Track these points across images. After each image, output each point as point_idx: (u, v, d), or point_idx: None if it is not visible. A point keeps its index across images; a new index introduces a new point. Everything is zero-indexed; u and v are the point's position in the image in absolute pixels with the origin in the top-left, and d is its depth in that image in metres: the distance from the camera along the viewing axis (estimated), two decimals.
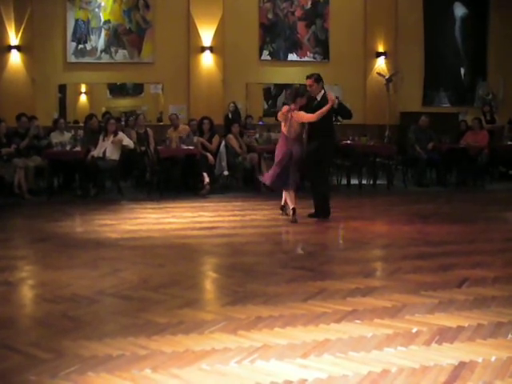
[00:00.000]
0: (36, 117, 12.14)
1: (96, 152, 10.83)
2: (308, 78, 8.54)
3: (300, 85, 16.05)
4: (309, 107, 8.29)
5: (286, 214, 8.48)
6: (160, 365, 3.40)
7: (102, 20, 14.59)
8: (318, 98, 8.44)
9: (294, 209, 8.19)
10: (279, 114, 8.31)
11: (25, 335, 3.96)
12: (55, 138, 11.40)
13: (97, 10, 14.56)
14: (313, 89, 8.48)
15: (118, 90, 16.78)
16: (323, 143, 8.37)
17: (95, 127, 11.70)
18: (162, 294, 4.80)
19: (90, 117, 12.03)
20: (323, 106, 8.13)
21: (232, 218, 8.76)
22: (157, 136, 12.44)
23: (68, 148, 10.93)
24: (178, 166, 11.36)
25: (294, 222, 8.13)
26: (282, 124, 8.33)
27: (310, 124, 8.31)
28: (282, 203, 8.63)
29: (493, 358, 3.47)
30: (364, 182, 12.38)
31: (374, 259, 6.63)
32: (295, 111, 8.22)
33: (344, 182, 12.28)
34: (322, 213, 8.47)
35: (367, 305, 4.51)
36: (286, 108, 8.29)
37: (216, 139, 11.78)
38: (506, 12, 16.41)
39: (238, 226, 8.05)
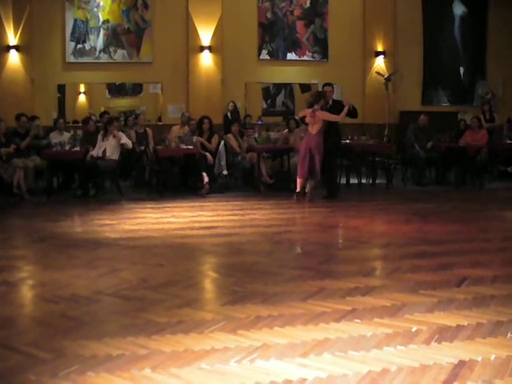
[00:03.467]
0: (37, 117, 12.13)
1: (95, 152, 10.83)
2: (328, 85, 10.47)
3: (300, 84, 16.21)
4: (321, 109, 10.08)
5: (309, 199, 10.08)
6: (160, 364, 3.40)
7: (101, 20, 14.59)
8: (330, 102, 10.34)
9: (298, 193, 10.13)
10: (308, 118, 10.03)
11: (24, 335, 3.96)
12: (54, 138, 11.40)
13: (95, 9, 14.56)
14: (330, 95, 10.42)
15: (116, 89, 16.77)
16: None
17: (92, 129, 11.70)
18: (162, 294, 4.80)
19: (87, 121, 12.03)
20: (334, 109, 10.12)
21: (231, 217, 8.77)
22: (156, 136, 12.45)
23: (67, 148, 10.93)
24: (178, 165, 11.36)
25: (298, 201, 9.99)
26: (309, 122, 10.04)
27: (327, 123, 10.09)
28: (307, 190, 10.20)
29: (492, 357, 3.47)
30: (363, 181, 12.38)
31: (373, 258, 6.64)
32: (319, 110, 10.02)
33: (343, 181, 12.28)
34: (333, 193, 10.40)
35: (367, 304, 4.51)
36: (309, 110, 10.08)
37: (215, 139, 11.77)
38: (506, 11, 16.41)
39: (237, 226, 8.06)
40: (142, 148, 11.73)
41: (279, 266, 5.89)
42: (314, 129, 10.03)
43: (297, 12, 15.59)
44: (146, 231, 7.66)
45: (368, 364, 3.40)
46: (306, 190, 10.20)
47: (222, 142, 11.81)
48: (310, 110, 10.06)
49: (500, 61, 16.46)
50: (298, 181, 10.19)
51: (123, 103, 16.82)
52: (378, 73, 14.83)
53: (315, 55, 15.72)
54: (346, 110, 10.03)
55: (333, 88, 10.60)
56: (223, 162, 11.64)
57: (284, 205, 9.95)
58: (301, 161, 10.11)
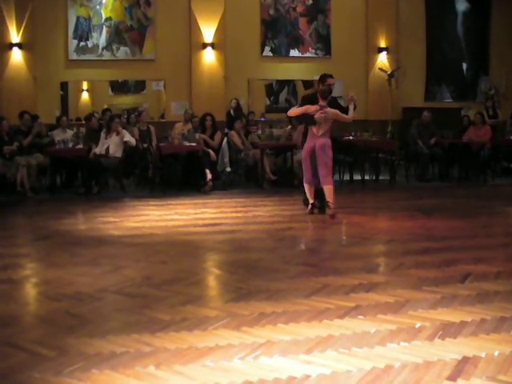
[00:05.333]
0: (37, 115, 12.11)
1: (98, 149, 10.85)
2: (331, 77, 8.45)
3: (303, 81, 16.20)
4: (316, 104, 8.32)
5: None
6: (163, 361, 3.41)
7: (104, 17, 14.58)
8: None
9: (313, 204, 8.53)
10: (317, 115, 8.16)
11: (28, 333, 3.96)
12: (57, 135, 11.41)
13: (98, 7, 14.55)
14: (333, 88, 8.54)
15: (119, 87, 16.81)
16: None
17: (95, 126, 11.72)
18: (165, 291, 4.81)
19: (89, 118, 12.05)
20: (331, 106, 8.31)
21: (235, 214, 8.77)
22: (159, 133, 12.45)
23: (70, 145, 10.94)
24: (181, 162, 11.36)
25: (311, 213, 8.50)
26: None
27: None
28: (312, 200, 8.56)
29: (496, 353, 3.47)
30: (366, 177, 12.38)
31: (376, 255, 6.63)
32: (328, 107, 8.24)
33: (346, 177, 12.28)
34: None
35: (370, 300, 4.51)
36: (313, 107, 8.25)
37: (218, 136, 11.77)
38: (508, 6, 16.36)
39: (240, 223, 8.06)
40: (145, 145, 11.74)
41: (283, 262, 5.88)
42: (320, 130, 8.24)
43: (299, 8, 15.56)
44: (149, 228, 7.67)
45: (372, 360, 3.40)
46: (327, 200, 8.30)
47: (225, 139, 11.81)
48: (316, 107, 8.23)
49: (503, 57, 16.42)
50: (307, 188, 8.53)
51: (126, 100, 16.85)
52: (381, 69, 14.79)
53: (318, 52, 15.70)
54: (352, 108, 8.37)
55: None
56: (226, 159, 11.64)
57: (287, 201, 9.95)
58: (304, 166, 8.48)
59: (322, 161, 8.21)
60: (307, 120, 8.40)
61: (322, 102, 8.27)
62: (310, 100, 8.47)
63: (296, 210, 9.20)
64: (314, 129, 8.29)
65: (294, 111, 8.68)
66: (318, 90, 8.42)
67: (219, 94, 14.79)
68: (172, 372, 3.29)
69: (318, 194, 8.49)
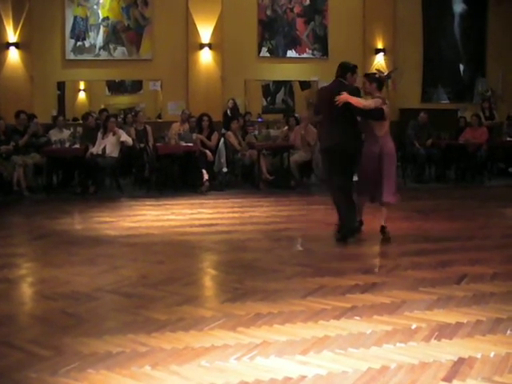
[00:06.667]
0: (35, 115, 12.08)
1: (95, 149, 10.84)
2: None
3: (300, 82, 16.20)
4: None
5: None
6: (160, 362, 3.41)
7: (101, 17, 14.55)
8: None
9: (357, 227, 7.13)
10: (386, 109, 6.72)
11: (24, 332, 3.96)
12: (54, 135, 11.40)
13: (95, 6, 14.53)
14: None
15: (116, 87, 16.77)
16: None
17: (92, 126, 11.70)
18: (162, 291, 4.81)
19: (86, 117, 12.03)
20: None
21: (231, 214, 8.77)
22: (156, 133, 12.43)
23: (67, 145, 10.93)
24: (177, 163, 11.35)
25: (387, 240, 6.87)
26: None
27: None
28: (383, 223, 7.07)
29: (492, 354, 3.48)
30: None
31: (373, 255, 6.64)
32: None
33: None
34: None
35: (366, 301, 4.52)
36: (380, 100, 6.72)
37: (215, 136, 11.76)
38: (505, 8, 16.39)
39: (237, 223, 8.05)
40: (142, 145, 11.73)
41: (279, 263, 5.89)
42: (382, 128, 6.80)
43: (296, 9, 15.56)
44: (145, 228, 7.66)
45: (368, 361, 3.41)
46: (384, 224, 7.02)
47: (222, 140, 11.80)
48: (380, 100, 6.72)
49: (500, 58, 16.43)
50: (357, 202, 7.22)
51: (123, 100, 16.82)
52: (378, 70, 14.78)
53: (315, 52, 15.69)
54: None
55: None
56: (223, 160, 11.62)
57: (284, 202, 9.95)
58: (363, 175, 7.18)
59: (391, 171, 6.90)
60: (377, 115, 6.72)
61: (380, 94, 6.90)
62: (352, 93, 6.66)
63: (292, 210, 9.22)
64: (375, 127, 6.81)
65: (367, 103, 6.67)
66: (381, 78, 7.15)
67: (216, 94, 14.78)
68: (168, 372, 3.29)
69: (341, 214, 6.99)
